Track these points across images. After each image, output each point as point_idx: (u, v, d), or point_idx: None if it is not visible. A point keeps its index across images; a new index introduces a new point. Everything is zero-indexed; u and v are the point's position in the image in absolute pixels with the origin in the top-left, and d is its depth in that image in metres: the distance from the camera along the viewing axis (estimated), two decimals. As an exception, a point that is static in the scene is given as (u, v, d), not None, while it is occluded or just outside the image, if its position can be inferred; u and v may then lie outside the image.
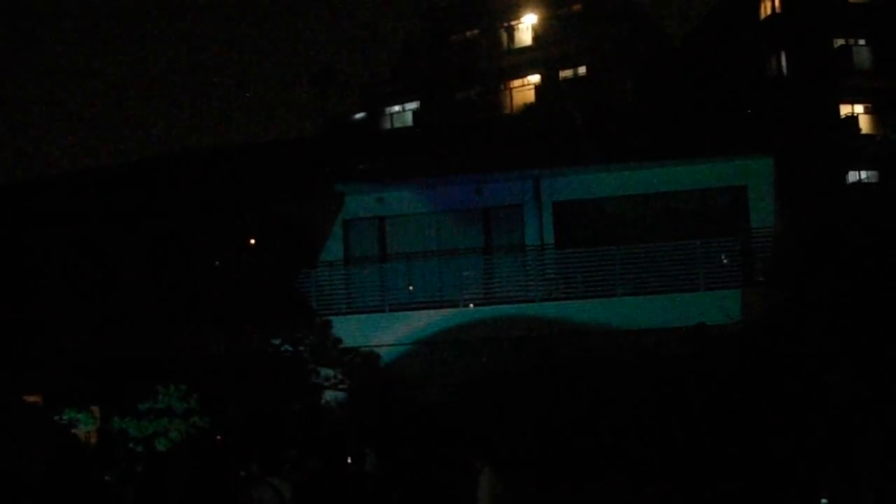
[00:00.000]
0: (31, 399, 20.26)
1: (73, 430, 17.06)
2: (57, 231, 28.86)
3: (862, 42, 39.76)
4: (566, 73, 44.68)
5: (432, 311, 26.98)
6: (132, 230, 28.82)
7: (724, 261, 26.46)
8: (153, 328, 26.55)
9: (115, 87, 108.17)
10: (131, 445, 14.76)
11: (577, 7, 45.59)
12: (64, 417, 18.06)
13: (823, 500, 10.42)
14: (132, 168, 31.01)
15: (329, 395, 24.23)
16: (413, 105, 47.70)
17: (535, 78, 45.25)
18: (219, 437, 15.20)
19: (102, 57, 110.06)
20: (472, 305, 27.17)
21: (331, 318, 26.83)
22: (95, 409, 17.34)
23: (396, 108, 48.09)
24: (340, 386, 25.37)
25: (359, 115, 49.30)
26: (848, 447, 11.82)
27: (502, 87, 45.86)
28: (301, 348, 25.08)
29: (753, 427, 13.89)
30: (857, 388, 14.77)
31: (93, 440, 16.65)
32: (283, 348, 24.71)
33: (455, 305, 27.20)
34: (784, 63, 40.00)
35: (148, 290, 27.70)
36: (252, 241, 29.54)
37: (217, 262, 29.31)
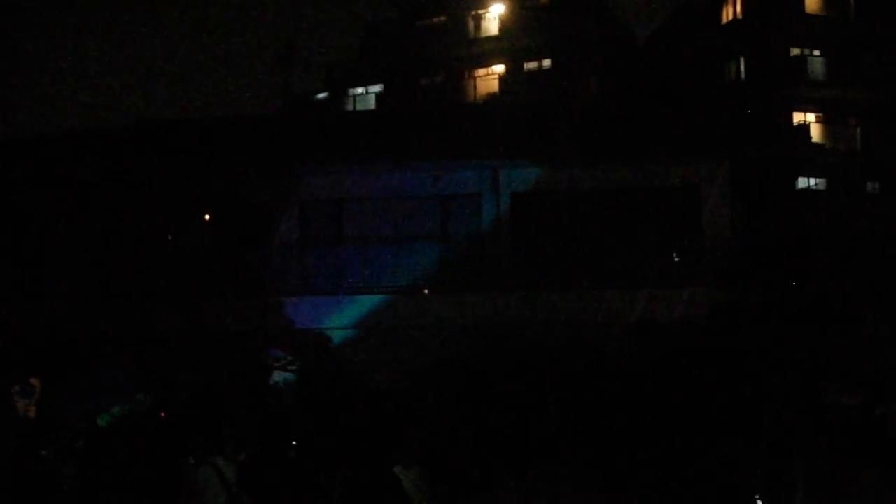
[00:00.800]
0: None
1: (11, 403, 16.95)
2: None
3: (817, 53, 40.55)
4: (531, 66, 44.86)
5: (387, 297, 27.09)
6: (82, 200, 28.61)
7: (676, 260, 26.80)
8: (99, 302, 26.47)
9: (69, 55, 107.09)
10: (71, 420, 14.72)
11: (544, 0, 45.75)
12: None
13: (757, 499, 10.66)
14: (83, 137, 30.71)
15: (278, 377, 24.26)
16: (377, 88, 47.63)
17: (499, 68, 45.37)
18: (163, 415, 15.22)
19: (61, 25, 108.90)
20: (426, 292, 27.30)
21: (284, 299, 26.86)
22: (35, 382, 17.19)
23: (360, 90, 47.99)
24: (290, 367, 25.41)
25: (321, 96, 49.17)
26: (781, 444, 12.06)
27: (467, 75, 45.95)
28: (252, 328, 25.10)
29: (693, 422, 14.12)
30: (792, 388, 15.09)
31: (31, 414, 16.56)
32: (233, 327, 24.72)
33: (410, 291, 27.32)
34: (742, 68, 40.61)
35: (95, 262, 27.57)
36: (206, 218, 29.44)
37: (169, 237, 29.21)
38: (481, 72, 45.71)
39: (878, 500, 5.66)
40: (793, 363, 16.72)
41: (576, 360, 19.19)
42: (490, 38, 45.99)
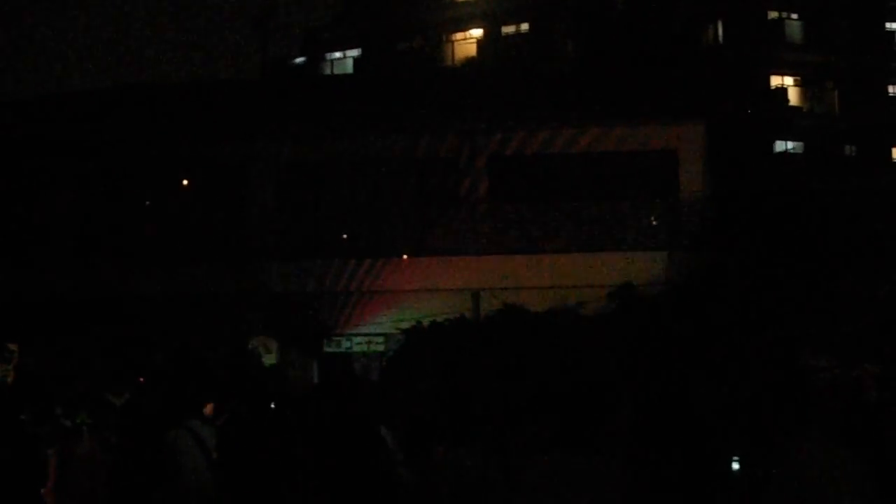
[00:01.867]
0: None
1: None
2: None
3: (794, 16, 40.60)
4: (509, 30, 44.74)
5: (365, 260, 27.13)
6: (61, 164, 28.47)
7: (653, 223, 26.92)
8: (81, 266, 26.42)
9: (46, 19, 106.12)
10: (50, 384, 14.71)
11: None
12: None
13: (734, 464, 10.71)
14: (63, 101, 30.58)
15: (257, 340, 24.31)
16: (354, 52, 47.45)
17: (477, 32, 45.22)
18: (142, 380, 15.24)
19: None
20: (405, 256, 27.36)
21: (262, 262, 26.87)
22: (13, 346, 17.17)
23: (338, 54, 47.81)
24: (269, 331, 25.45)
25: (299, 60, 48.97)
26: (759, 408, 12.15)
27: (445, 39, 45.79)
28: (230, 291, 25.11)
29: (673, 386, 14.18)
30: (773, 353, 15.21)
31: (9, 378, 16.56)
32: (211, 291, 24.73)
33: (388, 255, 27.38)
34: (720, 32, 40.61)
35: (74, 226, 27.50)
36: (184, 182, 29.37)
37: (148, 202, 29.13)
38: (459, 36, 45.56)
39: (826, 462, 5.78)
40: (768, 325, 16.85)
41: (554, 323, 19.28)
42: (468, 2, 45.82)
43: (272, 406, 12.79)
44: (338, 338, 27.08)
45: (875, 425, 7.23)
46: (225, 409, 13.97)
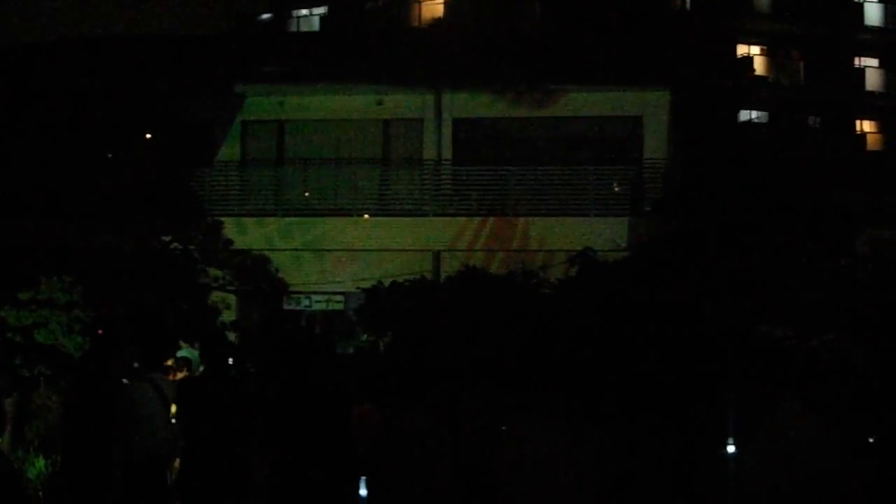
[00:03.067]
0: None
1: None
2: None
3: (762, -16, 40.60)
4: (476, -10, 44.41)
5: (326, 219, 27.08)
6: (23, 115, 28.14)
7: (616, 189, 27.01)
8: (38, 217, 26.15)
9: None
10: (9, 335, 14.61)
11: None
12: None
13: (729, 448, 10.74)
14: (24, 52, 30.16)
15: (217, 297, 24.22)
16: (321, 10, 47.04)
17: (444, -8, 44.89)
18: (101, 332, 15.14)
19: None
20: (367, 216, 27.32)
21: (223, 219, 26.74)
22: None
23: (304, 11, 47.39)
24: (229, 287, 25.37)
25: (265, 16, 48.53)
26: (713, 374, 12.27)
27: (412, -1, 45.45)
28: (191, 247, 24.97)
29: (628, 351, 14.28)
30: (733, 322, 15.31)
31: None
32: (172, 246, 24.58)
33: (350, 214, 27.34)
34: (688, -1, 40.55)
35: (35, 177, 27.19)
36: (147, 136, 29.12)
37: (110, 155, 28.86)
38: (427, -5, 45.23)
39: (802, 429, 5.83)
40: (727, 293, 16.96)
41: (513, 286, 19.33)
42: (436, -38, 45.47)
43: (230, 361, 12.80)
44: (297, 295, 27.04)
45: (837, 395, 7.31)
46: (183, 364, 14.02)
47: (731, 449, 8.71)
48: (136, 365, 11.98)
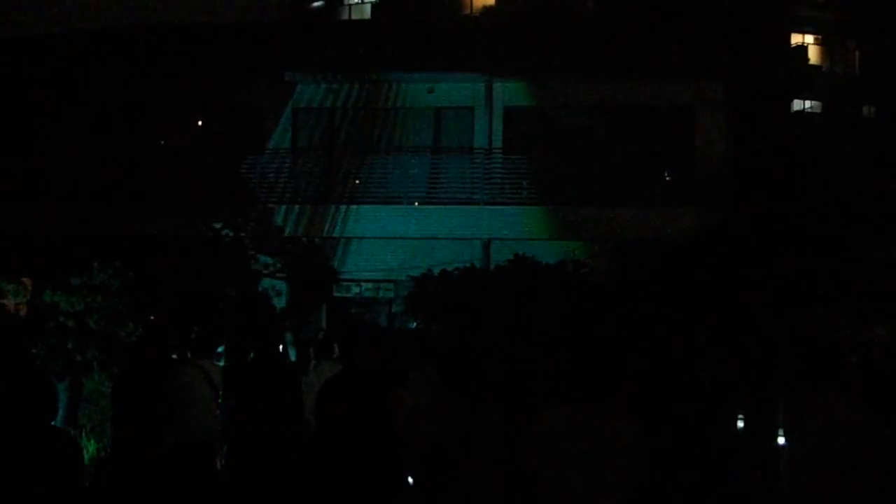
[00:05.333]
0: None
1: (2, 301, 16.99)
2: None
3: (816, -27, 40.13)
4: (529, -22, 44.29)
5: (377, 206, 27.13)
6: (79, 101, 28.47)
7: (667, 179, 26.85)
8: (92, 203, 26.46)
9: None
10: (62, 320, 14.77)
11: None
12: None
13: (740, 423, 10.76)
14: (81, 37, 30.43)
15: (267, 284, 24.39)
16: (373, -3, 47.08)
17: (496, -20, 44.78)
18: (153, 318, 15.30)
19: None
20: (416, 204, 27.34)
21: (274, 205, 26.90)
22: (27, 281, 17.20)
23: (356, -1, 47.46)
24: (279, 275, 25.54)
25: (317, 4, 48.63)
26: (768, 369, 12.18)
27: (464, -14, 45.37)
28: (242, 234, 25.15)
29: (677, 341, 14.22)
30: (781, 310, 15.22)
31: (22, 312, 16.60)
32: (223, 233, 24.76)
33: (400, 202, 27.37)
34: (740, -13, 40.13)
35: (89, 164, 27.50)
36: (199, 123, 29.34)
37: (162, 142, 29.14)
38: (479, -17, 45.13)
39: (846, 423, 5.76)
40: (779, 285, 16.84)
41: (563, 275, 19.28)
42: (488, -51, 45.36)
43: (279, 349, 12.88)
44: (347, 283, 27.14)
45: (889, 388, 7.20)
46: (234, 350, 14.10)
47: (781, 441, 8.66)
48: (185, 351, 12.10)
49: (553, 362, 11.55)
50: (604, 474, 5.68)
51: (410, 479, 7.91)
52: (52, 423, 6.19)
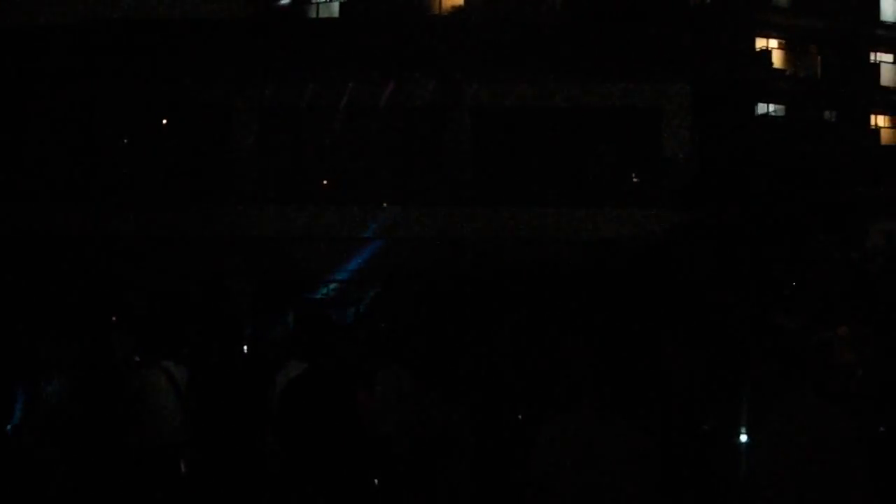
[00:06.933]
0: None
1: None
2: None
3: (781, -22, 40.53)
4: (496, -21, 44.34)
5: (345, 207, 27.09)
6: (39, 98, 28.19)
7: (635, 180, 26.99)
8: (54, 202, 26.24)
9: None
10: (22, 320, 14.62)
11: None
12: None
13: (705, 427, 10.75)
14: (44, 33, 30.17)
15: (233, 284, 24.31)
16: (341, -4, 46.96)
17: (466, -20, 44.79)
18: (114, 318, 15.19)
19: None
20: (385, 204, 27.33)
21: (241, 206, 26.80)
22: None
23: (324, -2, 47.32)
24: (245, 275, 25.43)
25: (284, 2, 48.46)
26: (732, 367, 12.24)
27: (432, -14, 45.36)
28: (208, 234, 25.04)
29: (647, 339, 14.24)
30: (744, 311, 15.30)
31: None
32: (189, 232, 24.65)
33: (369, 202, 27.34)
34: (708, -8, 40.42)
35: (50, 162, 27.27)
36: (165, 122, 29.16)
37: (126, 141, 28.91)
38: (446, -17, 45.13)
39: (811, 420, 5.81)
40: (743, 284, 16.95)
41: (533, 276, 19.33)
42: (456, -50, 45.37)
43: (245, 349, 12.80)
44: (315, 283, 27.08)
45: (848, 388, 7.30)
46: (198, 350, 13.99)
47: (743, 438, 8.71)
48: (146, 352, 11.99)
49: (529, 364, 11.54)
50: (613, 484, 5.69)
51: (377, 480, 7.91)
52: (7, 427, 6.10)
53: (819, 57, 40.60)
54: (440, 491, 7.10)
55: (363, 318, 24.76)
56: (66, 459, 11.18)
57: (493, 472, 8.45)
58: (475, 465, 7.59)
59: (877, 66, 41.61)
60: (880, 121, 41.83)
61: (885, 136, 41.23)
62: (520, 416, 10.19)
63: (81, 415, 10.18)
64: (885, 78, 41.45)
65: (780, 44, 40.14)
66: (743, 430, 8.68)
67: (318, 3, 47.10)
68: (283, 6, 47.72)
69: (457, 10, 43.49)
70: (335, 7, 46.65)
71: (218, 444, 10.05)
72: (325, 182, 28.07)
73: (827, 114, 40.37)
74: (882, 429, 8.17)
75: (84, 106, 28.05)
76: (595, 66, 27.16)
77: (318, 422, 8.24)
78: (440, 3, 44.69)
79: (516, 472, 6.30)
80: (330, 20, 44.18)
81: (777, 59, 39.76)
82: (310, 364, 8.95)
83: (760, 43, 39.74)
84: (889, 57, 41.98)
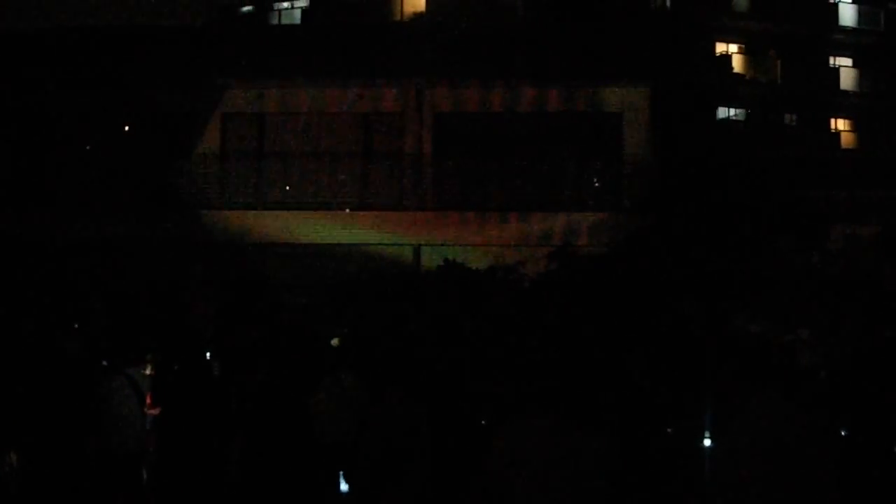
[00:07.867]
0: None
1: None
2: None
3: (740, -17, 40.86)
4: (457, -17, 44.40)
5: (306, 213, 27.03)
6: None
7: (596, 185, 27.09)
8: (13, 208, 26.00)
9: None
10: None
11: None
12: None
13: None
14: (4, 38, 29.96)
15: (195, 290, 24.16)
16: (302, 3, 46.89)
17: (426, -15, 44.83)
18: (76, 326, 15.08)
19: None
20: (347, 210, 27.29)
21: (202, 211, 26.67)
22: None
23: (285, 4, 47.23)
24: (206, 281, 25.29)
25: (246, 9, 48.35)
26: (695, 370, 12.32)
27: (393, -9, 45.36)
28: (170, 240, 24.90)
29: (605, 346, 14.32)
30: (701, 313, 15.39)
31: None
32: (151, 239, 24.51)
33: (330, 208, 27.29)
34: (667, -4, 40.68)
35: (10, 168, 27.05)
36: (126, 127, 28.99)
37: (88, 146, 28.71)
38: (408, -10, 45.15)
39: (776, 422, 5.84)
40: (704, 289, 17.04)
41: (493, 280, 19.37)
42: (418, -44, 45.42)
43: (207, 356, 12.75)
44: (276, 289, 26.97)
45: (809, 390, 7.34)
46: (160, 358, 13.93)
47: (707, 443, 8.76)
48: (115, 358, 11.92)
49: (487, 368, 11.58)
50: (573, 489, 5.70)
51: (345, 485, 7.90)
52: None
53: (779, 61, 40.94)
54: (400, 495, 7.10)
55: (325, 325, 24.73)
56: (26, 466, 11.09)
57: (454, 476, 8.46)
58: (434, 469, 7.60)
59: (836, 70, 42.02)
60: (840, 124, 42.25)
61: (846, 139, 41.68)
62: (482, 422, 10.21)
63: (44, 421, 10.11)
64: (845, 82, 41.87)
65: (739, 48, 40.49)
66: (706, 433, 8.74)
67: (280, 10, 47.05)
68: (246, 13, 47.65)
69: (418, 16, 43.56)
70: (297, 14, 46.62)
71: (181, 452, 10.01)
72: (287, 187, 27.98)
73: (787, 117, 40.73)
74: (844, 432, 8.25)
75: (46, 112, 27.83)
76: (556, 72, 27.25)
77: (273, 427, 8.26)
78: (401, 9, 44.73)
79: (476, 477, 6.30)
80: (292, 27, 44.14)
81: (737, 63, 40.09)
82: (265, 371, 8.96)
83: (720, 48, 40.09)
84: (848, 61, 42.41)
